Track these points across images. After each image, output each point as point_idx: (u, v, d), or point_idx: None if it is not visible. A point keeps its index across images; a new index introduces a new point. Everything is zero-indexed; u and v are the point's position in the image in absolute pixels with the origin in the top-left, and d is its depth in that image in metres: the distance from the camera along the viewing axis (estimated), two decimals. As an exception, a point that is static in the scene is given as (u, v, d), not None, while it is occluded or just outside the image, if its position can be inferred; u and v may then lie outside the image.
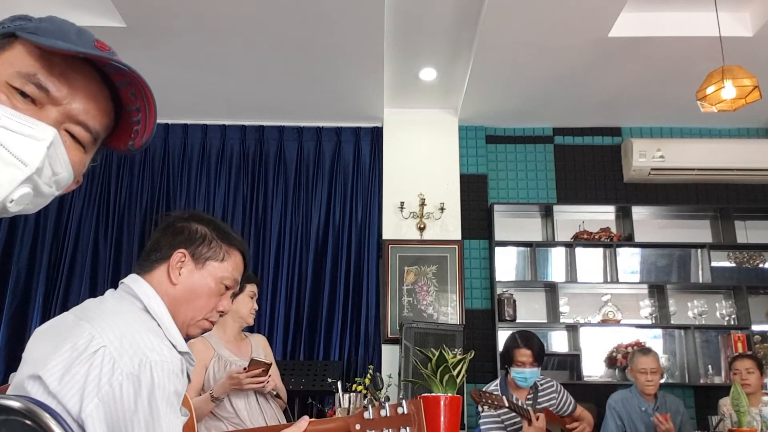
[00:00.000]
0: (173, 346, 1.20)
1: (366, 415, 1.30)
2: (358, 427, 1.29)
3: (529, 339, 3.23)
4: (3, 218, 4.80)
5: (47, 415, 0.94)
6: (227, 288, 1.38)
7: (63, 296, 4.39)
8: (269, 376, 2.69)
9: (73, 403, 1.01)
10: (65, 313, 1.20)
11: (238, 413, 2.64)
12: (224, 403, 2.63)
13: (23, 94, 0.75)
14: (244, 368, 2.65)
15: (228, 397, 2.63)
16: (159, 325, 1.22)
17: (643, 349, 3.67)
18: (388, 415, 1.29)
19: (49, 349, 1.07)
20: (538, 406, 3.22)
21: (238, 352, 2.80)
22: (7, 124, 0.72)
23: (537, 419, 2.94)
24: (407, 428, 1.28)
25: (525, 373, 3.17)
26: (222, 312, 1.38)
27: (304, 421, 1.29)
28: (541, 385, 3.31)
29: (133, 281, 1.29)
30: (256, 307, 2.86)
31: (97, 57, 0.77)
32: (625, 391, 3.64)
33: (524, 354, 3.16)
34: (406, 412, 1.29)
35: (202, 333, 1.37)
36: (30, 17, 0.79)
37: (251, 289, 2.84)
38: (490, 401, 2.83)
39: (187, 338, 1.31)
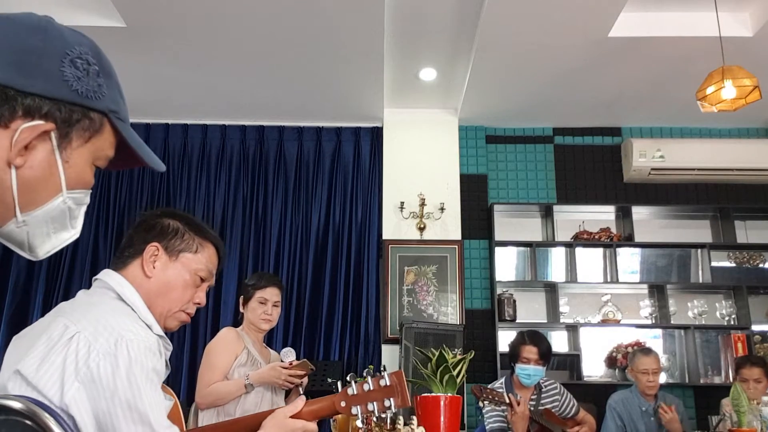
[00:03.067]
0: (148, 327, 1.22)
1: (350, 391, 1.32)
2: (343, 404, 1.32)
3: (536, 337, 3.28)
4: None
5: (47, 414, 0.94)
6: (202, 280, 1.39)
7: (63, 296, 4.39)
8: (302, 381, 2.79)
9: (54, 392, 1.01)
10: (41, 318, 1.22)
11: (252, 408, 2.68)
12: (243, 396, 2.65)
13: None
14: (290, 363, 2.73)
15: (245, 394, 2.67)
16: (133, 310, 1.24)
17: (644, 350, 3.66)
18: (372, 388, 1.31)
19: (26, 346, 1.09)
20: (540, 407, 3.22)
21: (261, 356, 2.84)
22: (81, 203, 0.85)
23: (519, 404, 2.95)
24: (391, 399, 1.31)
25: (529, 369, 3.18)
26: (198, 304, 1.39)
27: (301, 401, 1.32)
28: (545, 386, 3.32)
29: (105, 275, 1.31)
30: (269, 311, 2.84)
31: (152, 167, 0.92)
32: (626, 391, 3.64)
33: (530, 351, 3.20)
34: (388, 383, 1.31)
35: (180, 325, 1.39)
36: (98, 69, 0.83)
37: (261, 295, 2.84)
38: (491, 397, 2.84)
39: (166, 331, 1.33)
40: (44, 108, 0.76)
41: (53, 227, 0.82)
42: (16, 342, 1.18)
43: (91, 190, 0.87)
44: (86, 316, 1.11)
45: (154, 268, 1.32)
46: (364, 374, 1.36)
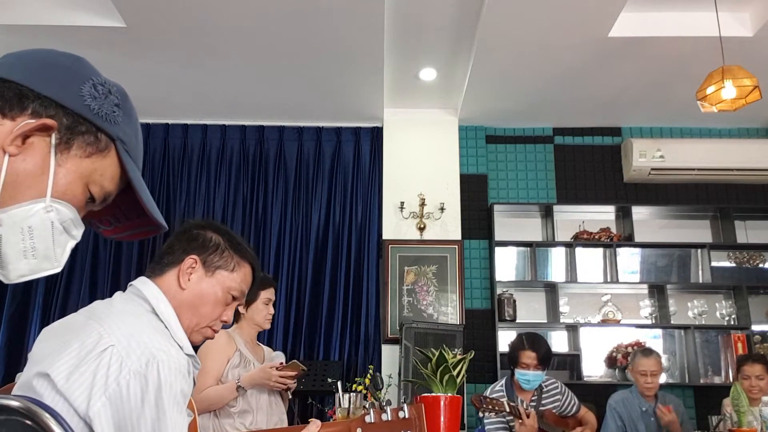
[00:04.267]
0: (180, 347, 1.22)
1: (367, 418, 1.31)
2: (359, 431, 1.30)
3: (535, 342, 3.21)
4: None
5: (47, 414, 0.94)
6: (234, 299, 1.39)
7: (63, 296, 4.39)
8: (294, 381, 2.76)
9: (80, 402, 1.01)
10: (74, 313, 1.21)
11: (250, 408, 2.66)
12: (239, 398, 2.65)
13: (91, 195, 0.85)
14: (280, 364, 2.71)
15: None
16: (166, 327, 1.23)
17: (644, 350, 3.64)
18: (390, 419, 1.30)
19: (58, 347, 1.08)
20: (541, 408, 3.21)
21: (255, 355, 2.83)
22: (69, 229, 0.82)
23: (528, 416, 2.93)
24: None
25: (528, 375, 3.16)
26: (225, 322, 1.39)
27: (315, 425, 1.31)
28: (546, 386, 3.30)
29: (142, 284, 1.30)
30: (272, 311, 2.84)
31: (157, 224, 0.91)
32: (626, 392, 3.64)
33: (529, 356, 3.15)
34: (407, 416, 1.29)
35: (204, 340, 1.38)
36: (119, 102, 0.87)
37: (265, 295, 2.82)
38: (491, 407, 2.82)
39: (191, 344, 1.32)
40: (51, 111, 0.79)
41: (32, 245, 0.78)
42: (47, 335, 1.17)
43: (82, 224, 0.85)
44: (121, 329, 1.10)
45: (189, 280, 1.32)
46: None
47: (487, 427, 3.21)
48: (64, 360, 1.04)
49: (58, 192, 0.80)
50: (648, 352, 3.60)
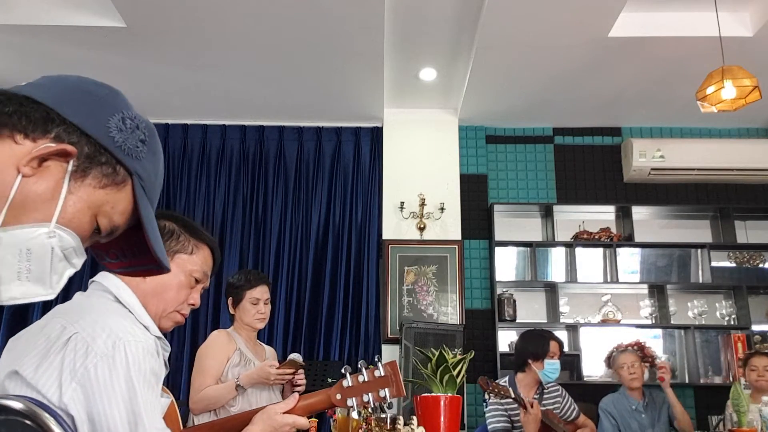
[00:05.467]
0: (146, 328, 1.22)
1: (345, 383, 1.33)
2: (338, 396, 1.32)
3: (551, 332, 3.44)
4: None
5: (47, 415, 0.94)
6: (197, 281, 1.40)
7: (63, 297, 4.35)
8: (293, 378, 2.76)
9: (52, 392, 1.01)
10: (38, 320, 1.22)
11: (249, 407, 2.66)
12: (239, 397, 2.65)
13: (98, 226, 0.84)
14: (279, 363, 2.72)
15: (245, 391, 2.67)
16: (130, 312, 1.24)
17: (621, 350, 3.76)
18: (367, 380, 1.32)
19: (23, 347, 1.08)
20: (542, 408, 3.23)
21: (255, 354, 2.83)
22: (70, 257, 0.81)
23: (532, 406, 2.96)
24: (386, 389, 1.31)
25: (556, 363, 3.27)
26: (192, 305, 1.39)
27: (293, 399, 1.34)
28: (547, 387, 3.34)
29: (102, 278, 1.32)
30: (262, 310, 2.81)
31: (160, 265, 0.90)
32: (615, 393, 3.68)
33: (556, 345, 3.30)
34: (383, 374, 1.32)
35: (174, 326, 1.39)
36: (144, 139, 0.87)
37: (252, 295, 2.80)
38: (496, 390, 2.85)
39: (161, 331, 1.33)
40: (74, 138, 0.79)
41: (28, 267, 0.77)
42: (13, 343, 1.17)
43: (84, 254, 0.84)
44: (84, 318, 1.11)
45: None
46: (359, 367, 1.37)
47: (488, 419, 3.24)
48: (31, 355, 1.04)
49: (65, 219, 0.79)
50: (624, 349, 3.74)
